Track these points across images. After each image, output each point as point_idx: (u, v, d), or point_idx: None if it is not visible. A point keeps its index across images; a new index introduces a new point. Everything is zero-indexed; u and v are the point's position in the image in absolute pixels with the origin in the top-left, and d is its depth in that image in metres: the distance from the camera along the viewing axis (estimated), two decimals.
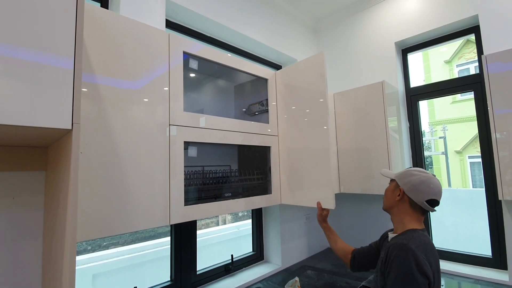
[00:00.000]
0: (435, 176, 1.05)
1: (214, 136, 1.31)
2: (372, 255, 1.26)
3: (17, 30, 0.61)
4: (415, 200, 1.03)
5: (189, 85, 1.52)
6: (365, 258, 1.28)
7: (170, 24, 1.70)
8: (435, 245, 2.05)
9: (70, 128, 0.67)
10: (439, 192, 1.02)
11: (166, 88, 1.13)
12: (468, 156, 8.20)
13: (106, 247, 2.55)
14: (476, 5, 1.86)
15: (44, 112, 0.63)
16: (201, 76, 1.58)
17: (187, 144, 1.22)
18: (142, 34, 1.08)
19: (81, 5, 0.71)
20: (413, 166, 1.14)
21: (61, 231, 0.74)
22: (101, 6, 1.39)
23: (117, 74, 0.99)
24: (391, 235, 1.11)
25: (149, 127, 1.06)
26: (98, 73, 0.94)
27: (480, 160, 1.89)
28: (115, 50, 0.99)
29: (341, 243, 1.40)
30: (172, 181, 1.11)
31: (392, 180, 1.16)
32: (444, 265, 1.94)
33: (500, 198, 1.51)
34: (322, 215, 1.42)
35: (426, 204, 1.02)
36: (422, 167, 2.17)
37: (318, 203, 1.41)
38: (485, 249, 1.90)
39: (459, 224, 4.02)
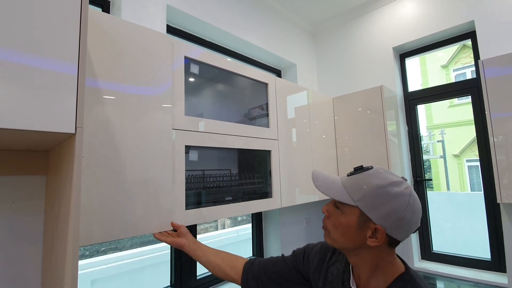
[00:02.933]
0: (406, 181, 0.67)
1: (214, 140, 1.31)
2: (286, 271, 0.86)
3: (21, 35, 0.62)
4: (399, 238, 0.64)
5: (190, 90, 1.52)
6: (271, 271, 0.87)
7: (170, 29, 1.72)
8: (434, 249, 2.07)
9: (74, 132, 0.67)
10: (421, 211, 0.66)
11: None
12: (466, 160, 8.24)
13: (105, 252, 2.53)
14: (472, 11, 1.89)
15: (48, 116, 0.63)
16: (202, 80, 1.59)
17: (188, 148, 1.23)
18: (144, 39, 1.08)
19: (85, 11, 0.72)
20: (381, 168, 0.69)
21: (63, 236, 0.74)
22: (103, 11, 1.40)
23: (118, 78, 0.99)
24: None
25: (150, 132, 1.07)
26: (100, 78, 0.94)
27: (477, 163, 1.90)
28: (117, 55, 1.00)
29: (217, 253, 0.98)
30: (173, 185, 1.11)
31: (343, 203, 0.68)
32: (444, 268, 1.94)
33: (498, 201, 1.52)
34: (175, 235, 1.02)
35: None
36: (421, 171, 2.19)
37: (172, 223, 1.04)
38: (484, 252, 1.91)
39: (458, 227, 4.03)
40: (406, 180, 0.67)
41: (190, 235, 1.03)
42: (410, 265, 1.09)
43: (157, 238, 1.01)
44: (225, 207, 1.34)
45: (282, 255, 0.93)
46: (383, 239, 0.62)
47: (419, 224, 0.65)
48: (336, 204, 0.70)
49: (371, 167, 0.70)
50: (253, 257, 0.94)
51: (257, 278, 0.87)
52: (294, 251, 0.90)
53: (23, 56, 0.62)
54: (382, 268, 0.66)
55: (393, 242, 0.65)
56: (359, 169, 0.71)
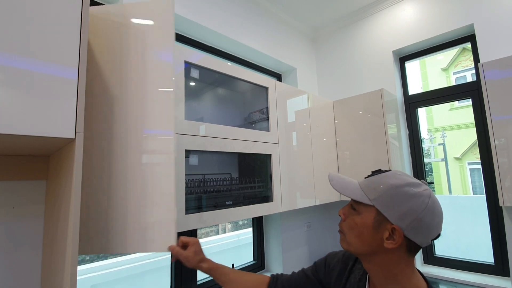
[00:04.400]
0: (426, 183, 0.65)
1: (215, 144, 1.31)
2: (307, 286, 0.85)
3: (22, 41, 0.62)
4: (418, 242, 0.61)
5: (190, 94, 1.53)
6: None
7: None
8: (437, 253, 2.05)
9: (73, 137, 0.67)
10: (442, 216, 0.63)
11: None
12: (468, 163, 8.21)
13: (105, 257, 2.52)
14: (471, 14, 1.89)
15: (48, 121, 0.64)
16: (202, 84, 1.59)
17: (188, 153, 1.23)
18: None
19: (86, 16, 0.73)
20: (399, 171, 0.67)
21: (62, 241, 0.74)
22: None
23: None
24: None
25: (150, 136, 1.06)
26: (100, 82, 0.95)
27: (479, 166, 1.89)
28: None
29: (244, 275, 0.95)
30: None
31: (359, 203, 0.66)
32: (446, 272, 1.92)
33: (500, 204, 1.51)
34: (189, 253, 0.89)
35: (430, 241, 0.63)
36: (423, 174, 2.19)
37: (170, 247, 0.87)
38: (487, 256, 1.89)
39: (460, 231, 4.00)
40: (425, 183, 0.64)
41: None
42: None
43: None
44: (226, 211, 1.33)
45: (303, 269, 0.90)
46: (401, 240, 0.59)
47: (440, 229, 0.62)
48: (353, 206, 0.68)
49: (389, 170, 0.68)
50: (273, 275, 0.94)
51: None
52: (315, 262, 0.89)
53: (23, 61, 0.62)
54: (399, 280, 0.62)
55: (411, 248, 0.62)
56: (376, 172, 0.69)
